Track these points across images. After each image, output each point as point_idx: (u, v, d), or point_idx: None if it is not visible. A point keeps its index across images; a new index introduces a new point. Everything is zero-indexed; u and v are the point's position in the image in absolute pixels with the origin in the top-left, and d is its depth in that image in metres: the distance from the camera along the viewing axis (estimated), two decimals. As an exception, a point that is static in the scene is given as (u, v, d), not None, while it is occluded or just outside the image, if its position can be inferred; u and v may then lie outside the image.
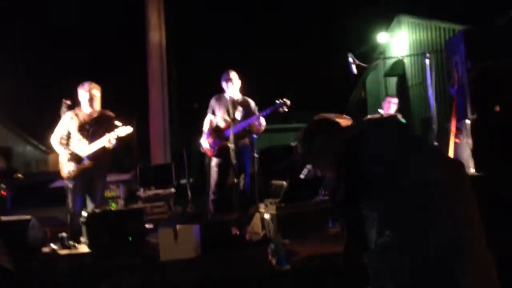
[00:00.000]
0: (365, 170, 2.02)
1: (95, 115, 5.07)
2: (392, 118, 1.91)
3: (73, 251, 4.44)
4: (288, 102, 5.22)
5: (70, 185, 4.90)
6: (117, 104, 6.40)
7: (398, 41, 11.66)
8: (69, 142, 4.92)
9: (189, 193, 6.70)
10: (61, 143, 4.98)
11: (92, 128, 4.99)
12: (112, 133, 4.91)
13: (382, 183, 1.98)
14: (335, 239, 4.58)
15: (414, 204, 1.92)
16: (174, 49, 10.39)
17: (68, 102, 5.05)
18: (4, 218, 4.53)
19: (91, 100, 5.00)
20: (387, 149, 2.04)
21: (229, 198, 5.23)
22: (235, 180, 5.09)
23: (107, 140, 4.88)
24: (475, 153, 4.53)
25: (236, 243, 4.30)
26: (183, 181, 8.30)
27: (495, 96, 4.65)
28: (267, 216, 4.51)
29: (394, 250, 1.92)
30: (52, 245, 4.52)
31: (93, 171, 4.96)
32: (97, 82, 5.21)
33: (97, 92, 5.05)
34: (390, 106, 6.02)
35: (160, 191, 6.32)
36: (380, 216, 1.98)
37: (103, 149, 4.93)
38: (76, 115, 5.05)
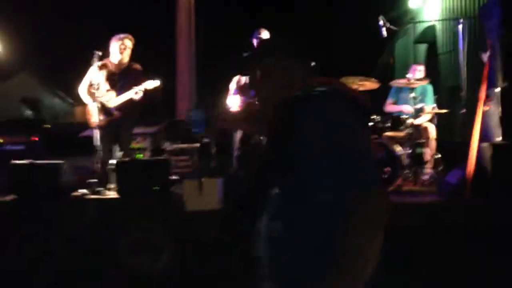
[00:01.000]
0: (293, 141, 1.74)
1: (123, 66, 5.15)
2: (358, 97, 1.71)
3: (102, 196, 4.61)
4: (313, 63, 5.19)
5: (99, 134, 5.02)
6: (145, 59, 6.45)
7: (431, 6, 11.34)
8: (98, 92, 5.01)
9: (213, 149, 6.79)
10: (89, 93, 5.06)
11: (120, 79, 5.08)
12: (140, 86, 4.99)
13: (305, 169, 1.72)
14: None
15: (318, 213, 1.69)
16: (203, 6, 10.33)
17: (99, 53, 5.12)
18: (37, 161, 4.69)
19: (123, 50, 5.06)
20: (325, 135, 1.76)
21: (253, 154, 5.30)
22: (261, 137, 5.15)
23: (134, 92, 4.97)
24: (503, 121, 4.48)
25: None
26: (207, 140, 8.42)
27: (527, 65, 4.57)
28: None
29: (280, 243, 1.73)
30: (82, 190, 4.70)
31: (120, 121, 5.08)
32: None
33: (129, 43, 5.12)
34: (415, 74, 5.95)
35: (185, 145, 6.43)
36: (278, 200, 1.77)
37: (131, 101, 5.02)
38: (105, 65, 5.12)
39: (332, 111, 1.82)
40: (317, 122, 1.78)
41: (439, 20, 10.65)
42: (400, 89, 6.04)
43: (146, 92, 5.05)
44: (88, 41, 5.65)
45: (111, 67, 5.14)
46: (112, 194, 4.63)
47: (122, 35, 5.11)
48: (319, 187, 1.72)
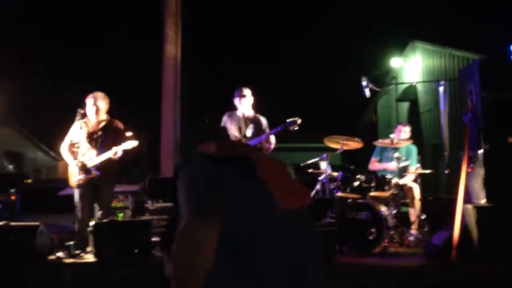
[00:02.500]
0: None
1: (102, 124, 5.13)
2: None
3: (79, 260, 4.44)
4: (299, 121, 5.22)
5: (78, 193, 4.93)
6: (130, 117, 6.45)
7: (411, 66, 11.70)
8: (78, 151, 4.96)
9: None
10: (70, 152, 5.03)
11: (100, 138, 5.04)
12: (118, 146, 4.96)
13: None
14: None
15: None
16: (189, 64, 10.48)
17: (82, 112, 5.11)
18: (13, 223, 4.55)
19: (95, 108, 5.07)
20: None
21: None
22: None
23: (113, 153, 4.93)
24: (486, 183, 4.50)
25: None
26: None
27: (508, 127, 4.64)
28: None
29: None
30: (59, 253, 4.53)
31: (101, 180, 4.99)
32: (111, 93, 5.27)
33: (100, 101, 5.10)
34: (401, 135, 6.02)
35: (168, 204, 6.31)
36: None
37: (110, 160, 4.97)
38: (85, 124, 5.11)
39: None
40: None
41: (420, 82, 10.93)
42: (384, 148, 6.08)
43: (125, 151, 5.00)
44: (74, 96, 5.64)
45: (91, 126, 5.12)
46: (90, 258, 4.47)
47: (93, 94, 5.12)
48: None
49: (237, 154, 1.92)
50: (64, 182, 5.99)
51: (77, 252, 4.55)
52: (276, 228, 1.77)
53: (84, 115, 5.15)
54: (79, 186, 4.92)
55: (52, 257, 4.51)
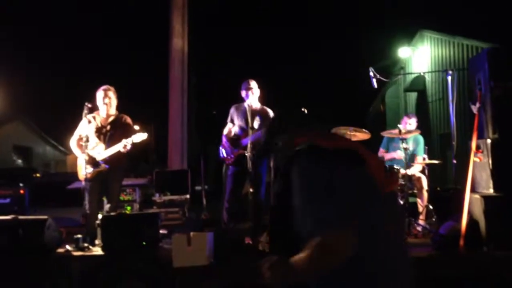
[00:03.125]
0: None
1: (111, 118, 5.16)
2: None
3: (87, 253, 4.47)
4: (306, 111, 5.20)
5: (87, 187, 4.96)
6: (137, 109, 6.47)
7: (420, 56, 11.59)
8: (87, 145, 4.98)
9: (204, 200, 6.70)
10: (79, 146, 5.06)
11: (109, 132, 5.08)
12: (128, 139, 4.97)
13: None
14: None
15: None
16: (196, 57, 10.49)
17: (90, 105, 5.13)
18: (21, 217, 4.59)
19: (106, 102, 5.09)
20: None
21: (244, 207, 5.22)
22: (251, 189, 5.09)
23: (122, 146, 4.95)
24: (494, 173, 4.46)
25: (248, 253, 4.29)
26: (198, 188, 8.33)
27: (517, 117, 4.59)
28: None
29: None
30: (67, 246, 4.57)
31: (109, 173, 5.02)
32: (119, 87, 5.30)
33: (111, 94, 5.15)
34: (407, 127, 6.00)
35: (175, 197, 6.34)
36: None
37: (118, 153, 4.99)
38: (94, 118, 5.16)
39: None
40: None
41: (428, 72, 10.84)
42: (391, 139, 6.05)
43: (134, 144, 5.03)
44: (83, 91, 5.68)
45: (100, 120, 5.17)
46: (98, 251, 4.50)
47: (104, 87, 5.16)
48: None
49: (346, 145, 1.90)
50: (73, 176, 6.05)
51: (86, 245, 4.58)
52: (385, 214, 1.81)
53: (91, 109, 5.17)
54: (87, 179, 4.95)
55: (60, 250, 4.55)
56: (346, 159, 1.79)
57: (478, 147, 4.67)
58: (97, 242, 4.68)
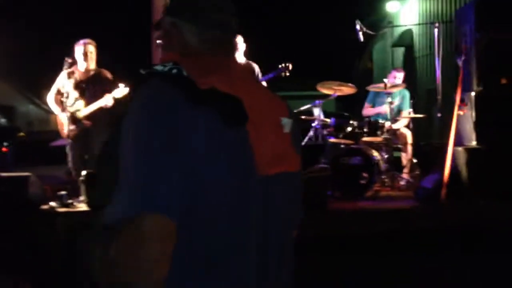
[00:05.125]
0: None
1: (91, 73, 5.04)
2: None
3: (72, 209, 4.47)
4: (290, 66, 5.17)
5: (70, 144, 4.91)
6: (120, 68, 6.33)
7: (408, 10, 11.44)
8: (67, 101, 4.89)
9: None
10: (57, 102, 4.97)
11: (88, 87, 4.97)
12: (109, 94, 4.89)
13: None
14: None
15: None
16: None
17: (70, 60, 5.01)
18: (4, 174, 4.55)
19: (85, 56, 4.97)
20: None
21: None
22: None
23: (105, 102, 4.87)
24: (477, 125, 4.49)
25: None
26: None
27: (502, 69, 4.58)
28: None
29: None
30: (51, 203, 4.55)
31: (92, 130, 4.97)
32: (100, 45, 5.16)
33: (91, 48, 5.02)
34: (395, 81, 5.98)
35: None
36: None
37: (100, 109, 4.93)
38: (72, 73, 5.02)
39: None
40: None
41: (416, 25, 10.74)
42: (377, 94, 6.04)
43: (116, 100, 4.94)
44: (64, 47, 5.52)
45: (79, 75, 5.04)
46: (83, 207, 4.49)
47: (83, 41, 5.02)
48: None
49: (225, 91, 1.18)
50: (56, 133, 5.98)
51: (70, 201, 4.57)
52: (246, 198, 1.20)
53: (71, 64, 5.05)
54: (70, 137, 4.90)
55: (45, 206, 4.53)
56: (218, 110, 1.14)
57: (462, 100, 4.68)
58: (81, 198, 4.67)
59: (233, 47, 1.37)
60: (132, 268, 1.04)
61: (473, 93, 4.57)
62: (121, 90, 4.92)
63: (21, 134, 10.07)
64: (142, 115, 1.12)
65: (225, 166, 1.14)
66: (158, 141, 1.08)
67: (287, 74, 5.21)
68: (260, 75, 5.41)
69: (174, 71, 1.18)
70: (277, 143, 1.27)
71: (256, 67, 5.44)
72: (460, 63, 4.79)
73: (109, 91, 4.92)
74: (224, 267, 1.17)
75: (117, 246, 1.04)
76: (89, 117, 4.93)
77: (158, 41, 1.39)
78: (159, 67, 1.19)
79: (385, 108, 5.68)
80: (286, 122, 1.32)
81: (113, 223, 1.05)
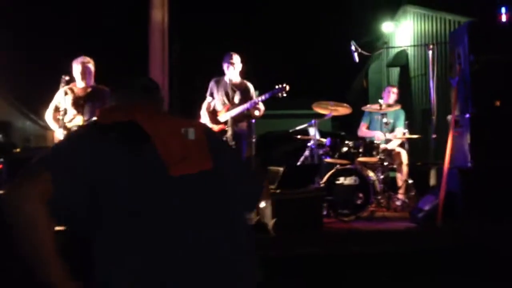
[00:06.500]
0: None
1: (89, 90, 5.05)
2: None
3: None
4: (287, 87, 5.19)
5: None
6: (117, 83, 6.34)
7: (403, 31, 11.59)
8: (64, 117, 4.89)
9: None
10: (55, 120, 4.97)
11: (86, 103, 4.98)
12: None
13: None
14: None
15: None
16: (179, 29, 10.31)
17: (67, 78, 5.02)
18: (-2, 191, 4.51)
19: (83, 73, 4.99)
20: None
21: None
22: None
23: None
24: (472, 147, 4.51)
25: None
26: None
27: (496, 91, 4.62)
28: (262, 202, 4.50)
29: None
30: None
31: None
32: (97, 59, 5.19)
33: (89, 65, 5.03)
34: (390, 96, 6.01)
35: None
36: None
37: None
38: (71, 89, 5.03)
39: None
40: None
41: (410, 46, 10.86)
42: (373, 113, 6.07)
43: None
44: (62, 64, 5.54)
45: (77, 91, 5.05)
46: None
47: (80, 59, 5.03)
48: None
49: (121, 119, 1.62)
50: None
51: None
52: (161, 196, 1.53)
53: (69, 82, 5.06)
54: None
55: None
56: (120, 134, 1.57)
57: (456, 122, 4.71)
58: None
59: (153, 99, 1.82)
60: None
61: (467, 115, 4.60)
62: None
63: (17, 150, 10.00)
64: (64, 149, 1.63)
65: (136, 171, 1.52)
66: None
67: (284, 95, 5.24)
68: (254, 95, 5.43)
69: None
70: (183, 149, 1.60)
71: (251, 87, 5.47)
72: (454, 84, 4.83)
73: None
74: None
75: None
76: None
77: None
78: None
79: (379, 136, 5.70)
80: (187, 131, 1.65)
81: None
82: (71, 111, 4.96)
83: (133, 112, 1.64)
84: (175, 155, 1.58)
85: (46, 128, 5.20)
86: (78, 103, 4.98)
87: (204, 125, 1.82)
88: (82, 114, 4.96)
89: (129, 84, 1.83)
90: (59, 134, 4.91)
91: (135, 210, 1.50)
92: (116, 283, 1.48)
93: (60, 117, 4.88)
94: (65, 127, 4.86)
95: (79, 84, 5.04)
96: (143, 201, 1.51)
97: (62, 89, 4.98)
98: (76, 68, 5.01)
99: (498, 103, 4.54)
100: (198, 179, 1.59)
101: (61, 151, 1.60)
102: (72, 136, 1.71)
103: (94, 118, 1.70)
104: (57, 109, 4.97)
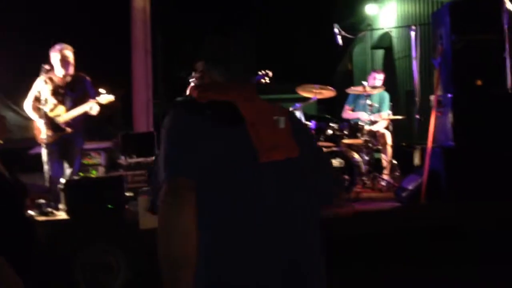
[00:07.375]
0: None
1: (69, 79, 4.98)
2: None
3: (51, 218, 4.41)
4: (270, 73, 5.17)
5: (47, 151, 4.84)
6: (100, 71, 6.27)
7: (387, 13, 11.56)
8: (45, 107, 4.82)
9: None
10: (35, 109, 4.90)
11: (67, 92, 4.92)
12: (93, 100, 4.85)
13: None
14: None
15: None
16: (159, 16, 10.19)
17: (47, 67, 4.93)
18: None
19: (63, 61, 4.89)
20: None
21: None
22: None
23: (89, 108, 4.83)
24: (454, 126, 4.55)
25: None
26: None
27: (477, 70, 4.65)
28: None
29: None
30: (30, 212, 4.48)
31: (70, 136, 4.91)
32: (79, 48, 5.10)
33: (69, 53, 4.93)
34: (375, 82, 6.03)
35: (141, 159, 6.27)
36: None
37: (81, 115, 4.88)
38: (50, 79, 4.93)
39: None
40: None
41: (394, 28, 10.86)
42: (357, 96, 6.08)
43: (100, 106, 4.91)
44: (43, 53, 5.44)
45: (57, 80, 4.96)
46: (62, 215, 4.44)
47: (57, 46, 4.93)
48: None
49: (219, 99, 1.59)
50: (35, 141, 5.90)
51: (49, 210, 4.51)
52: (252, 180, 1.52)
53: (49, 71, 4.98)
54: (47, 144, 4.84)
55: (23, 216, 4.47)
56: (216, 115, 1.55)
57: (439, 102, 4.74)
58: (60, 206, 4.61)
59: (246, 79, 1.76)
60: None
61: (449, 95, 4.63)
62: (106, 97, 4.89)
63: (0, 142, 9.83)
64: (166, 137, 1.56)
65: (229, 154, 1.52)
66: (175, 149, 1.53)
67: (267, 81, 5.21)
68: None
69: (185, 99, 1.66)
70: (273, 136, 1.59)
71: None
72: (436, 65, 4.86)
73: (90, 96, 4.88)
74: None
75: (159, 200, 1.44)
76: (70, 123, 4.88)
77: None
78: (179, 99, 1.67)
79: (365, 116, 5.72)
80: (278, 120, 1.63)
81: (158, 185, 1.48)
82: (51, 100, 4.88)
83: (228, 92, 1.62)
84: (266, 142, 1.56)
85: (29, 118, 5.12)
86: (58, 92, 4.91)
87: (288, 110, 1.75)
88: (63, 103, 4.90)
89: (230, 60, 1.71)
90: (40, 124, 4.85)
91: (224, 193, 1.50)
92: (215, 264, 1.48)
93: (41, 107, 4.81)
94: (46, 117, 4.80)
95: (58, 72, 4.95)
96: (233, 185, 1.51)
97: (41, 78, 4.88)
98: (55, 56, 4.92)
99: (479, 83, 4.58)
100: (285, 165, 1.59)
101: (182, 150, 1.51)
102: (178, 124, 1.56)
103: (189, 95, 1.66)
104: (37, 99, 4.89)
